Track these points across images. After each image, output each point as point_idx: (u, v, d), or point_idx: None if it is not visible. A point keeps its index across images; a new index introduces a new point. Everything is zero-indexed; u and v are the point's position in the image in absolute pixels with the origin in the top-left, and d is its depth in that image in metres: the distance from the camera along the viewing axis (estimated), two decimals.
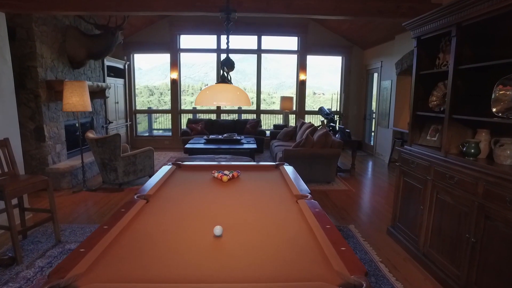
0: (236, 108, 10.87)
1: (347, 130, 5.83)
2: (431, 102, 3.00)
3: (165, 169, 2.96)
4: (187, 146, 6.26)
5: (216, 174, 2.73)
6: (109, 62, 7.19)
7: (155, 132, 10.94)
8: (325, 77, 9.57)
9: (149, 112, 10.42)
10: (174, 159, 6.65)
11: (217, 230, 1.60)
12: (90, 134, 4.85)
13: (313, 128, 5.78)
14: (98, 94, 6.16)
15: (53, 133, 4.88)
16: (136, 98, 9.09)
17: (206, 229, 1.68)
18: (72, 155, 5.44)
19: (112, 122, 6.89)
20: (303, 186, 2.41)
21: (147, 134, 10.34)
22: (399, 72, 6.61)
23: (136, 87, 9.62)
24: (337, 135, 6.13)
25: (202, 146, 6.30)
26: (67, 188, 4.85)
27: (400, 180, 3.22)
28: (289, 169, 2.99)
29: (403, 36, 6.40)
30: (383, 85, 7.51)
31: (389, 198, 4.63)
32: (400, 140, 6.49)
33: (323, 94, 10.95)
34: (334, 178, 5.34)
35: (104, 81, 6.68)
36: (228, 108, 10.48)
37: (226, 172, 2.77)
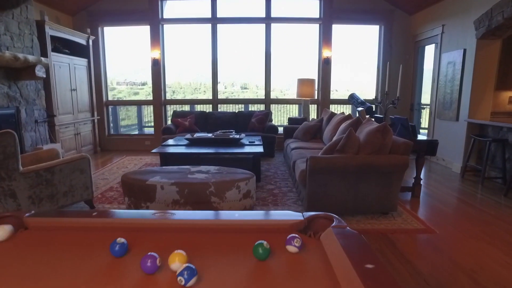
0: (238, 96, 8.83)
1: (411, 123, 3.55)
2: None
3: None
4: (157, 150, 4.13)
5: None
6: (59, 32, 5.12)
7: (146, 130, 8.90)
8: (338, 72, 7.80)
9: (123, 103, 7.93)
10: (147, 165, 4.40)
11: None
12: None
13: (354, 121, 3.56)
14: (24, 73, 4.10)
15: None
16: (109, 87, 6.98)
17: None
18: None
19: (55, 116, 4.81)
20: None
21: (135, 132, 8.25)
22: (484, 33, 4.29)
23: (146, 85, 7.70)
24: None
25: (182, 150, 4.16)
26: None
27: None
28: (353, 246, 0.81)
29: None
30: (446, 60, 5.20)
31: None
32: (484, 139, 4.17)
33: (336, 90, 9.46)
34: (396, 206, 3.10)
35: (47, 56, 4.63)
36: (227, 96, 8.39)
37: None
